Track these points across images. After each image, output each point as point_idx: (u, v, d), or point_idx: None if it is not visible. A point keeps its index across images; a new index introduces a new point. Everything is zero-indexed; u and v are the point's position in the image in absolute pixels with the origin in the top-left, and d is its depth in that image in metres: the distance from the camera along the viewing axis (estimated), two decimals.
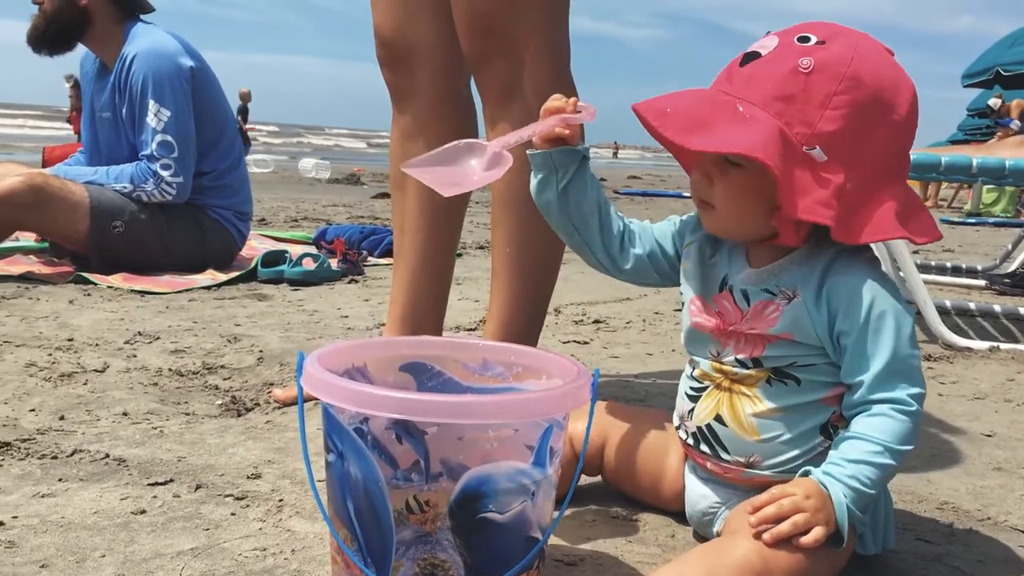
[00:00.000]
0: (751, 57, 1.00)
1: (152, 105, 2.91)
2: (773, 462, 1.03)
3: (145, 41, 2.97)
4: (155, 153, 2.93)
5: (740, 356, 1.04)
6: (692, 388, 1.11)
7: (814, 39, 0.98)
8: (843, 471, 0.95)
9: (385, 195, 8.47)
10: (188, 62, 2.99)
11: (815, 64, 0.96)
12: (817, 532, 0.92)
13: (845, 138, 0.96)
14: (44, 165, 3.90)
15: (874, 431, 0.96)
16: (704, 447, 1.08)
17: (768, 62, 0.98)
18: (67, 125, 17.37)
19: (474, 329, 2.35)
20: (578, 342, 2.26)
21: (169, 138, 2.93)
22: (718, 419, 1.06)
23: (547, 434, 0.86)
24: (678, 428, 1.14)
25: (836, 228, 0.96)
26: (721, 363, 1.06)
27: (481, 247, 4.41)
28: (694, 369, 1.11)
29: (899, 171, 1.02)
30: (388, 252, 3.71)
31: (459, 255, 4.00)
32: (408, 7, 1.66)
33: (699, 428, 1.08)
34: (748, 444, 1.04)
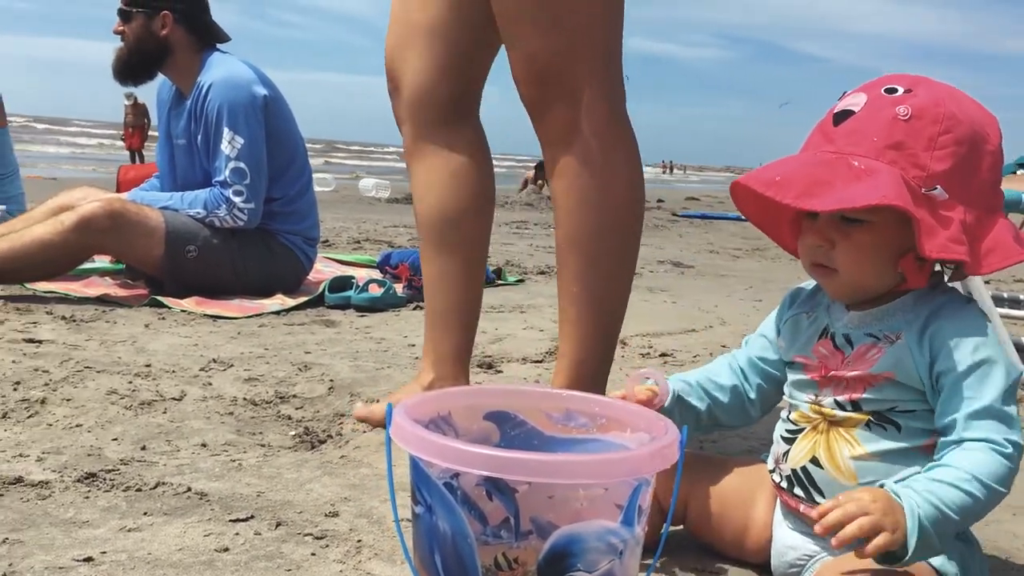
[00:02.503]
0: (845, 115, 1.03)
1: (227, 132, 2.98)
2: None
3: (221, 70, 3.04)
4: (228, 179, 2.99)
5: (839, 398, 1.05)
6: (788, 431, 1.11)
7: (901, 89, 1.02)
8: (921, 486, 0.94)
9: None
10: (262, 91, 3.06)
11: (912, 111, 0.99)
12: (882, 538, 0.89)
13: (956, 175, 0.99)
14: (118, 185, 4.01)
15: (964, 462, 0.95)
16: (798, 490, 1.07)
17: (866, 116, 1.01)
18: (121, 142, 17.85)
19: (541, 361, 2.35)
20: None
21: (242, 165, 2.99)
22: (814, 461, 1.06)
23: (636, 493, 0.86)
24: (772, 471, 1.13)
25: (968, 263, 0.98)
26: (820, 406, 1.07)
27: (542, 272, 4.42)
28: (790, 412, 1.12)
29: (998, 200, 1.05)
30: None
31: (521, 280, 4.02)
32: (402, 36, 1.71)
33: (794, 471, 1.08)
34: (845, 488, 1.02)
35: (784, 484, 1.09)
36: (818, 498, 1.05)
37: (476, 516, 0.85)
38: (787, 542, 1.10)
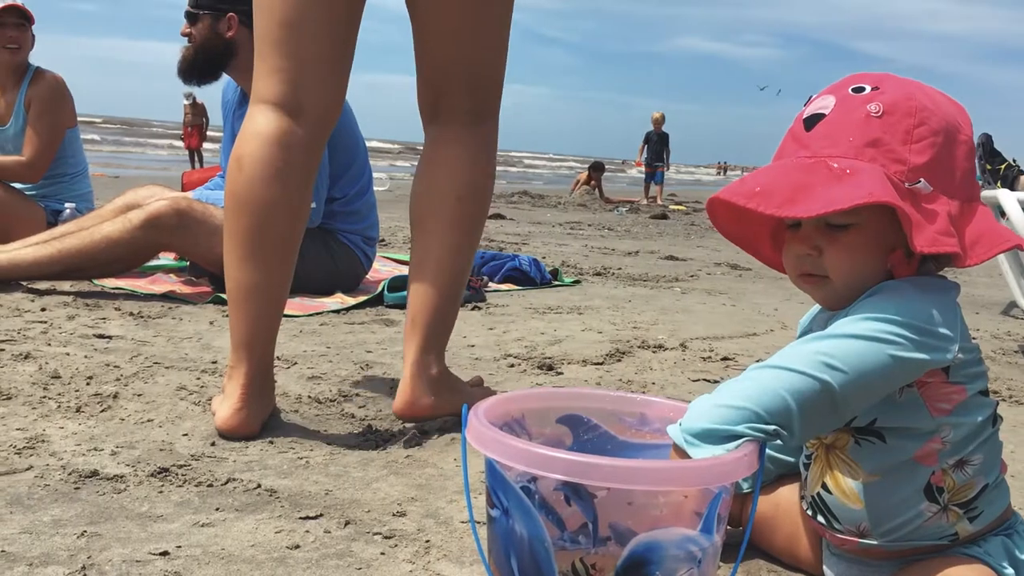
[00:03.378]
0: (816, 119, 1.01)
1: None
2: (883, 529, 0.99)
3: None
4: None
5: None
6: (806, 456, 1.09)
7: (868, 87, 1.01)
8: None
9: (498, 216, 8.56)
10: None
11: (884, 106, 0.98)
12: None
13: (937, 166, 0.97)
14: (183, 187, 4.09)
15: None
16: (820, 517, 1.05)
17: (837, 117, 0.99)
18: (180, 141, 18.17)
19: (602, 363, 2.33)
20: (708, 380, 2.22)
21: None
22: (824, 487, 1.04)
23: (716, 501, 0.85)
24: (802, 498, 1.11)
25: (959, 255, 0.95)
26: None
27: (599, 273, 4.40)
28: None
29: (976, 189, 1.03)
30: (509, 278, 3.74)
31: (577, 281, 4.01)
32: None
33: (812, 497, 1.06)
34: (854, 512, 1.00)
35: (809, 511, 1.07)
36: (835, 524, 1.02)
37: (554, 521, 0.85)
38: (833, 570, 1.08)
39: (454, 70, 1.72)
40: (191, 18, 3.14)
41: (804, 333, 1.11)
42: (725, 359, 2.46)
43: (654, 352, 2.50)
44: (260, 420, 1.63)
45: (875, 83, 1.01)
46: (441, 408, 1.71)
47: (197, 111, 17.32)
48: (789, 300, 3.89)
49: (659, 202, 13.54)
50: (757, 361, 2.53)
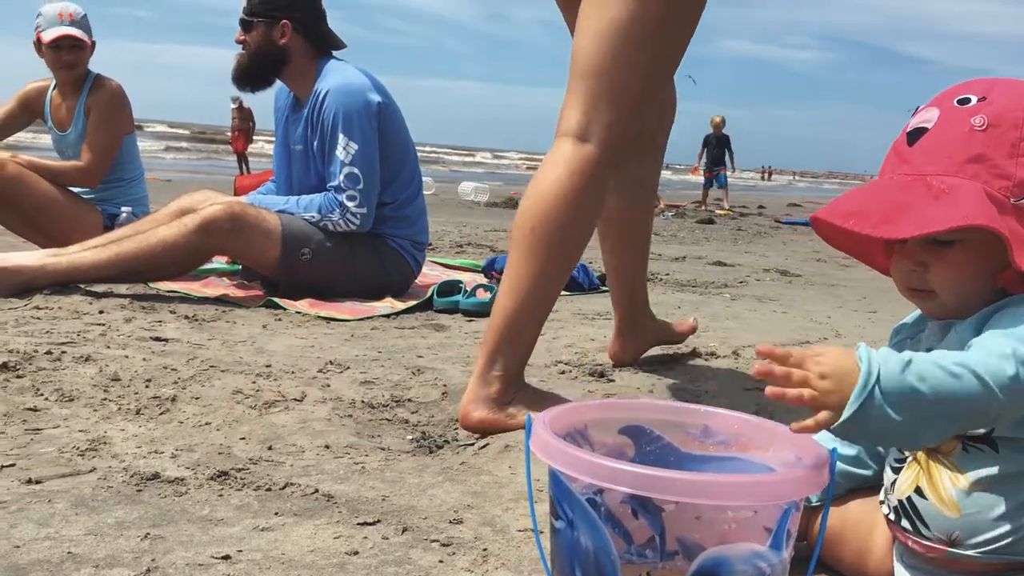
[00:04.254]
0: (918, 133, 0.99)
1: (341, 139, 3.04)
2: (978, 540, 0.96)
3: (337, 77, 3.11)
4: (342, 184, 3.06)
5: None
6: (896, 459, 1.06)
7: (974, 98, 0.97)
8: (905, 357, 0.86)
9: None
10: (376, 98, 3.11)
11: (989, 119, 0.95)
12: (815, 420, 0.85)
13: None
14: (235, 192, 4.14)
15: (965, 355, 0.87)
16: (905, 522, 1.02)
17: (940, 132, 0.97)
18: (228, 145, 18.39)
19: (654, 371, 2.31)
20: (761, 389, 2.18)
21: (356, 170, 3.05)
22: (918, 491, 1.01)
23: (785, 516, 0.83)
24: (882, 503, 1.09)
25: None
26: None
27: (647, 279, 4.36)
28: None
29: None
30: None
31: None
32: None
33: (900, 501, 1.03)
34: (949, 520, 0.97)
35: (892, 516, 1.04)
36: (924, 531, 0.99)
37: (620, 534, 0.84)
38: None
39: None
40: (245, 26, 3.18)
41: (902, 339, 1.10)
42: None
43: (706, 360, 2.48)
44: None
45: (983, 92, 0.98)
46: (494, 424, 1.71)
47: (244, 115, 17.53)
48: (842, 308, 3.84)
49: (725, 205, 13.35)
50: None
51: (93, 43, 3.76)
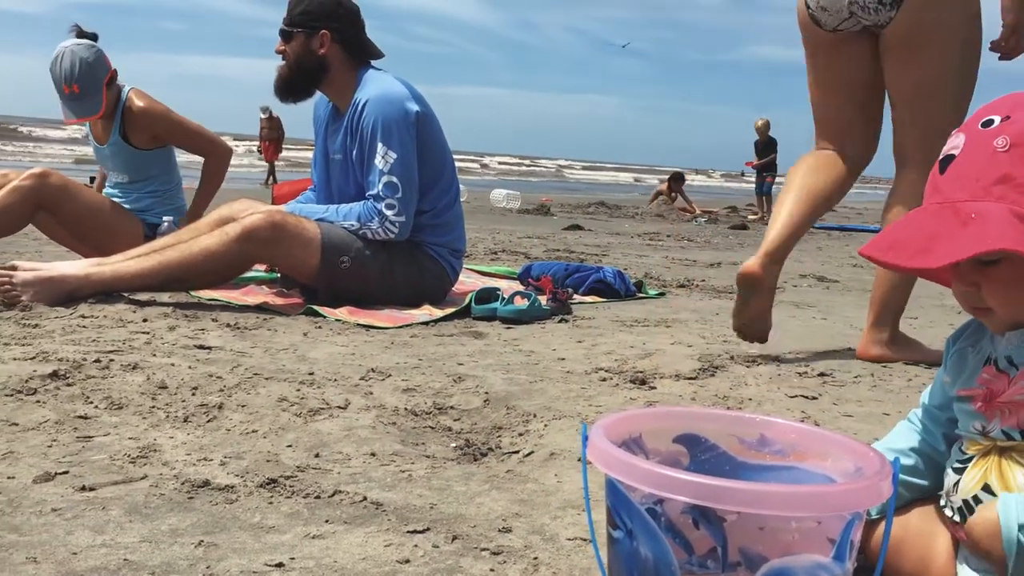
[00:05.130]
0: (948, 161, 1.00)
1: (380, 147, 3.06)
2: None
3: (376, 87, 3.13)
4: (381, 193, 3.07)
5: (1007, 427, 1.00)
6: (959, 460, 1.06)
7: (997, 119, 0.98)
8: None
9: (575, 227, 8.55)
10: (414, 107, 3.13)
11: (1011, 139, 0.95)
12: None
13: None
14: (273, 201, 4.18)
15: None
16: None
17: (966, 158, 0.98)
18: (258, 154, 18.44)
19: (695, 378, 2.30)
20: (805, 397, 2.17)
21: (394, 179, 3.07)
22: (986, 489, 1.00)
23: (849, 527, 0.82)
24: (943, 506, 1.07)
25: None
26: (988, 436, 1.02)
27: (682, 285, 4.35)
28: (962, 443, 1.07)
29: None
30: (593, 290, 3.73)
31: (662, 294, 3.97)
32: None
33: (965, 501, 1.02)
34: None
35: (956, 518, 1.03)
36: None
37: (681, 544, 0.83)
38: None
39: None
40: (285, 36, 3.21)
41: (962, 347, 1.09)
42: (822, 375, 2.40)
43: (748, 367, 2.46)
44: None
45: (1007, 112, 0.98)
46: (883, 357, 2.60)
47: (273, 125, 17.64)
48: None
49: (762, 212, 12.96)
50: (855, 377, 2.45)
51: (114, 74, 3.74)
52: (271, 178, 17.63)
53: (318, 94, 3.32)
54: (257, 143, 18.53)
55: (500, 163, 48.96)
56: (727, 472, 1.00)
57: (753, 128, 13.72)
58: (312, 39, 3.19)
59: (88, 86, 3.61)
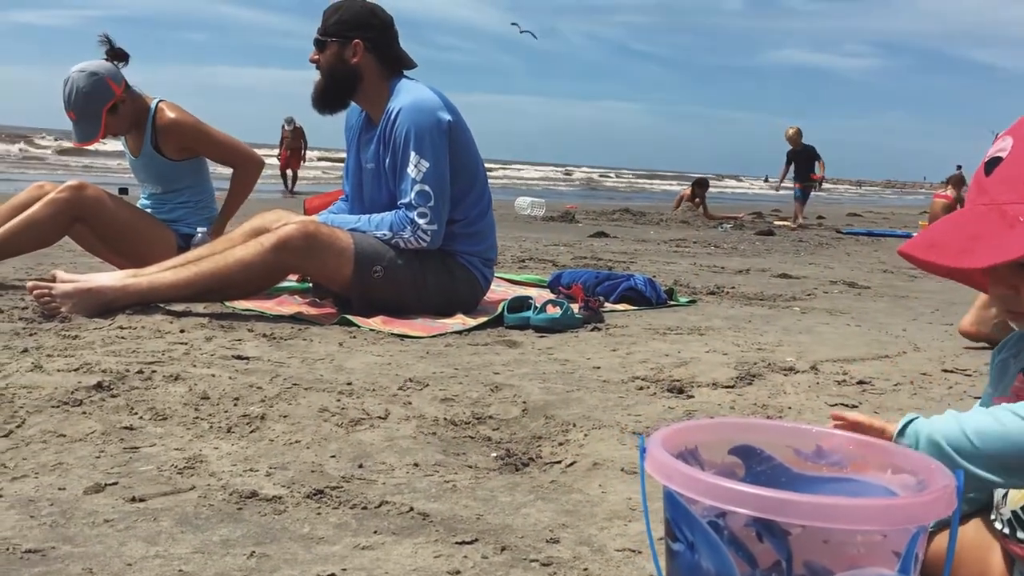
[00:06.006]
0: (994, 163, 1.00)
1: (413, 156, 3.07)
2: None
3: (409, 96, 3.14)
4: (413, 202, 3.09)
5: None
6: None
7: None
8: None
9: (601, 234, 8.53)
10: (447, 116, 3.14)
11: None
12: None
13: None
14: (305, 212, 4.20)
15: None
16: (1021, 534, 1.00)
17: (1013, 160, 0.99)
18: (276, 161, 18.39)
19: (732, 386, 2.29)
20: (845, 405, 2.15)
21: (427, 188, 3.08)
22: None
23: (914, 541, 0.81)
24: (993, 520, 1.06)
25: None
26: None
27: (712, 292, 4.33)
28: None
29: None
30: (624, 298, 3.72)
31: (692, 301, 3.95)
32: None
33: (1014, 512, 1.01)
34: None
35: (1006, 530, 1.02)
36: None
37: (744, 558, 0.83)
38: None
39: None
40: (319, 45, 3.24)
41: (1005, 356, 1.09)
42: (861, 383, 2.38)
43: (785, 375, 2.44)
44: None
45: None
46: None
47: (296, 135, 17.68)
48: (916, 320, 3.76)
49: (799, 220, 12.66)
50: (895, 385, 2.44)
51: (123, 89, 3.71)
52: (292, 185, 17.68)
53: (351, 104, 3.34)
54: (277, 151, 18.52)
55: (522, 170, 49.00)
56: (783, 484, 1.00)
57: (784, 137, 13.38)
58: (345, 48, 3.21)
59: (83, 113, 3.66)
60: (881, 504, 0.82)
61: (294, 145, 17.73)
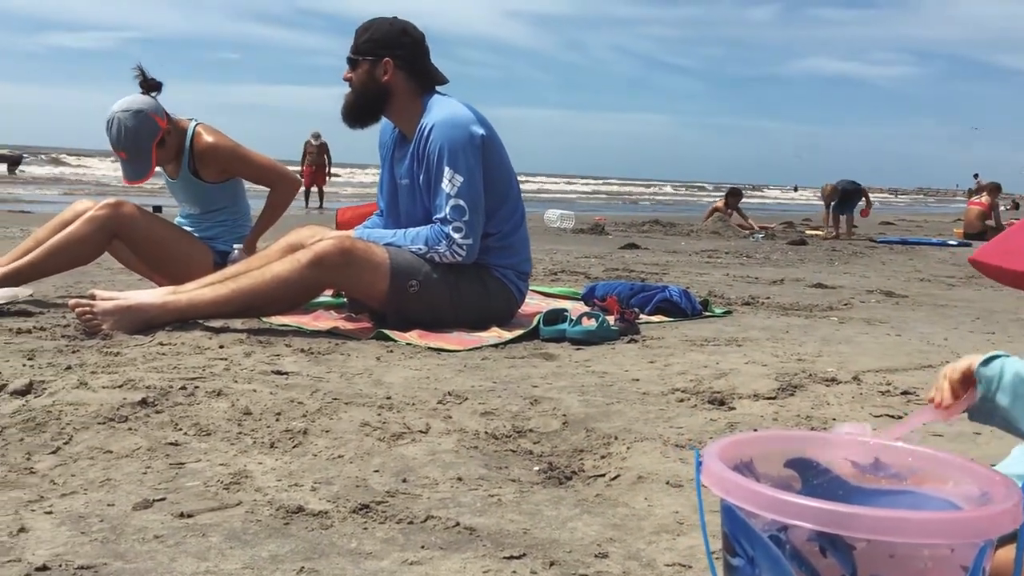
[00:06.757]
0: None
1: (447, 171, 3.08)
2: None
3: (442, 112, 3.15)
4: (448, 216, 3.09)
5: None
6: None
7: None
8: None
9: (632, 246, 8.50)
10: (479, 130, 3.15)
11: None
12: None
13: None
14: (337, 226, 4.22)
15: None
16: None
17: None
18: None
19: (774, 398, 2.27)
20: (891, 416, 2.12)
21: (461, 202, 3.08)
22: None
23: (982, 554, 0.80)
24: None
25: None
26: None
27: (747, 303, 4.30)
28: None
29: None
30: (659, 309, 3.70)
31: (728, 312, 3.92)
32: None
33: None
34: None
35: None
36: None
37: (807, 572, 0.81)
38: None
39: None
40: (352, 64, 3.26)
41: None
42: (905, 393, 2.35)
43: (827, 386, 2.41)
44: None
45: None
46: None
47: (321, 151, 17.69)
48: (957, 329, 3.70)
49: (838, 232, 12.36)
50: None
51: (167, 121, 3.75)
52: (320, 202, 17.73)
53: (383, 120, 3.35)
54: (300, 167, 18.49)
55: (551, 183, 49.04)
56: (840, 497, 0.98)
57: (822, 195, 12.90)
58: (376, 67, 3.22)
59: (133, 152, 3.69)
60: (949, 517, 0.80)
61: (318, 161, 17.70)
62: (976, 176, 14.40)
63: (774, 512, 0.80)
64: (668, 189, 54.48)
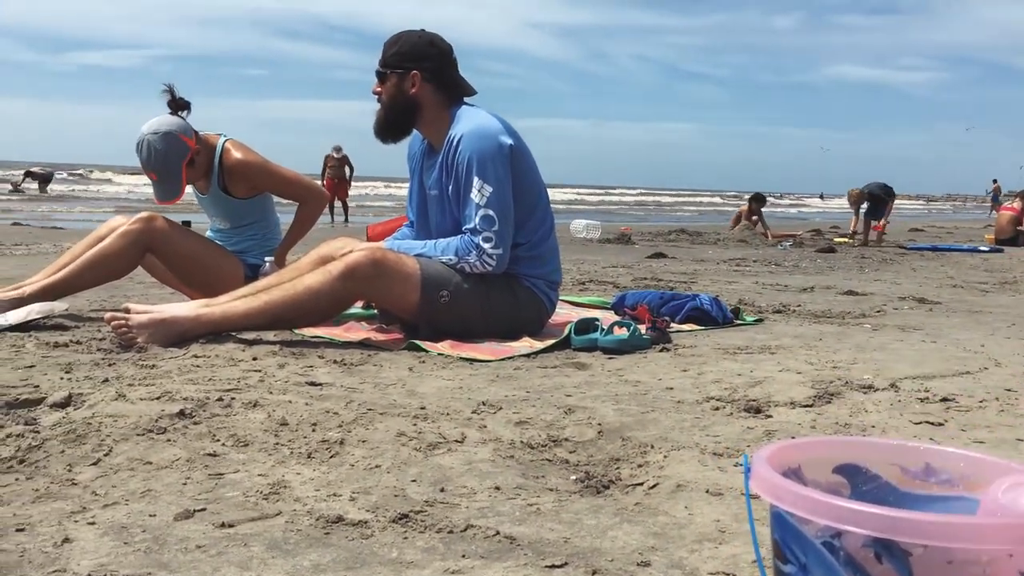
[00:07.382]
0: None
1: (476, 182, 3.09)
2: None
3: (470, 122, 3.16)
4: (478, 226, 3.10)
5: None
6: None
7: None
8: None
9: (659, 255, 8.47)
10: (508, 140, 3.15)
11: None
12: None
13: None
14: (367, 239, 4.24)
15: None
16: None
17: None
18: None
19: (811, 405, 2.24)
20: (931, 423, 2.09)
21: (491, 212, 3.09)
22: None
23: None
24: None
25: None
26: None
27: (778, 311, 4.26)
28: None
29: None
30: (690, 318, 3.68)
31: (759, 320, 3.90)
32: None
33: None
34: None
35: None
36: None
37: None
38: None
39: None
40: (380, 77, 3.28)
41: None
42: (944, 400, 2.32)
43: (864, 393, 2.39)
44: None
45: None
46: None
47: (341, 164, 17.73)
48: (993, 335, 3.65)
49: (877, 238, 12.23)
50: (980, 402, 2.37)
51: (195, 141, 3.77)
52: (345, 215, 17.79)
53: (413, 132, 3.37)
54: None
55: (576, 194, 49.03)
56: (890, 502, 0.97)
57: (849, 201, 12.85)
58: (404, 80, 3.24)
59: (164, 174, 3.72)
60: (1008, 522, 0.79)
61: (339, 174, 17.74)
62: (995, 181, 14.18)
63: (829, 518, 0.79)
64: (695, 199, 54.30)
